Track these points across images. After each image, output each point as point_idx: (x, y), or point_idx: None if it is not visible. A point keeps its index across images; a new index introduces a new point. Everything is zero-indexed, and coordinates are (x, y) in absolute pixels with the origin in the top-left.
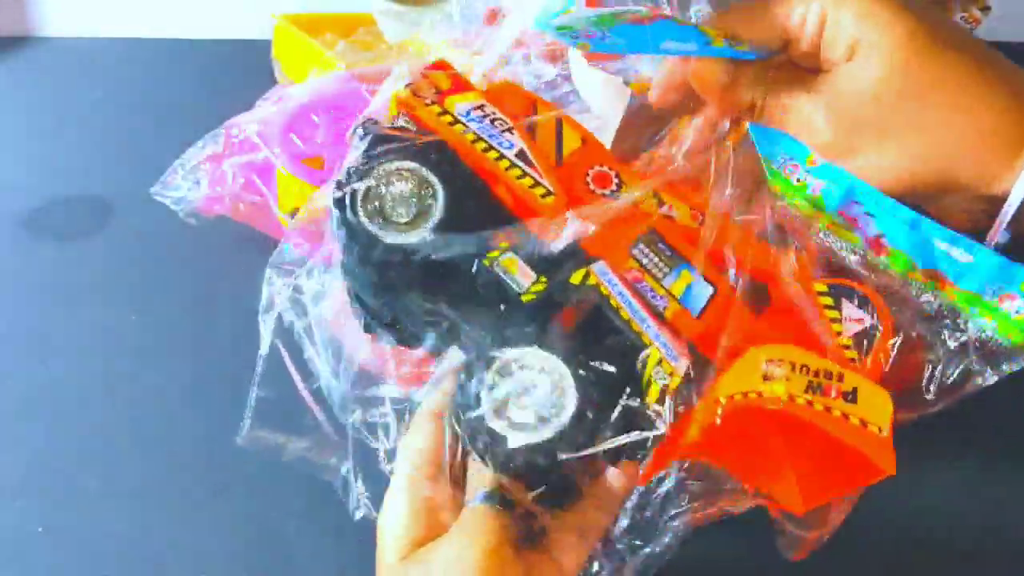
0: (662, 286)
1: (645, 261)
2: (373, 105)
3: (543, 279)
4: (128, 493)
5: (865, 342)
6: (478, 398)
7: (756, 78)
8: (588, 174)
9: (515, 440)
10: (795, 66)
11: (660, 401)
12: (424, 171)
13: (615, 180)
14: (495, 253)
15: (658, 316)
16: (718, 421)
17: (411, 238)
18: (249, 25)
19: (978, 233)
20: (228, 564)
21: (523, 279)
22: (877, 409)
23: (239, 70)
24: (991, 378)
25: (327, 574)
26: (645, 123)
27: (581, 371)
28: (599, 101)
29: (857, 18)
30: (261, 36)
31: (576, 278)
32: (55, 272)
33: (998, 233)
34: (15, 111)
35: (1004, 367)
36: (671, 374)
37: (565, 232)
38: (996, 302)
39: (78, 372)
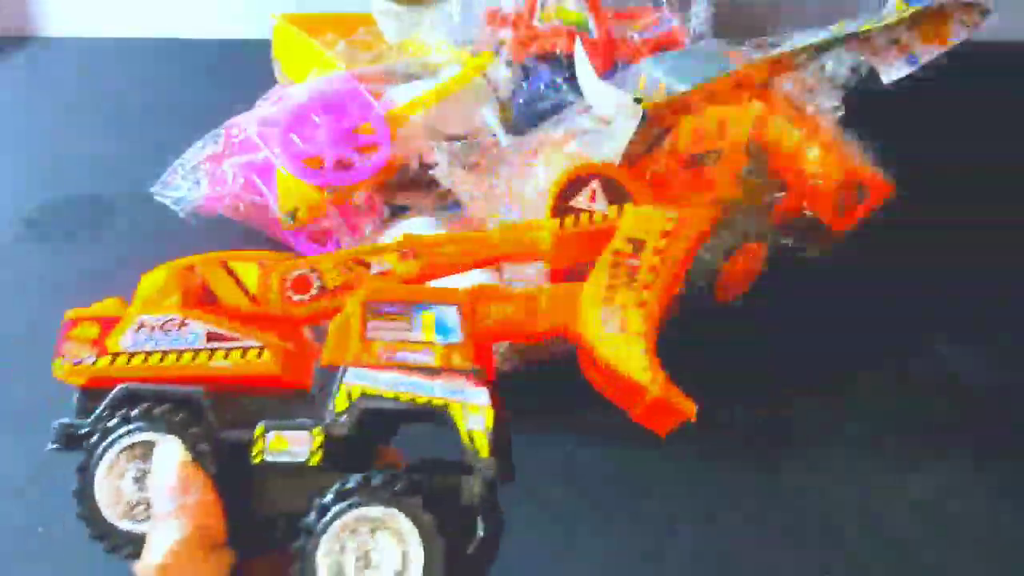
0: (417, 342)
1: (385, 335)
2: None
3: (316, 431)
4: None
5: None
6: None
7: None
8: (287, 288)
9: None
10: None
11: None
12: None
13: (315, 279)
14: (258, 447)
15: (435, 369)
16: None
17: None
18: (249, 25)
19: None
20: None
21: (298, 447)
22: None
23: (239, 70)
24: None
25: None
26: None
27: (415, 512)
28: (608, 111)
29: None
30: (261, 36)
31: (341, 402)
32: (55, 272)
33: None
34: (15, 111)
35: None
36: (484, 414)
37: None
38: None
39: None
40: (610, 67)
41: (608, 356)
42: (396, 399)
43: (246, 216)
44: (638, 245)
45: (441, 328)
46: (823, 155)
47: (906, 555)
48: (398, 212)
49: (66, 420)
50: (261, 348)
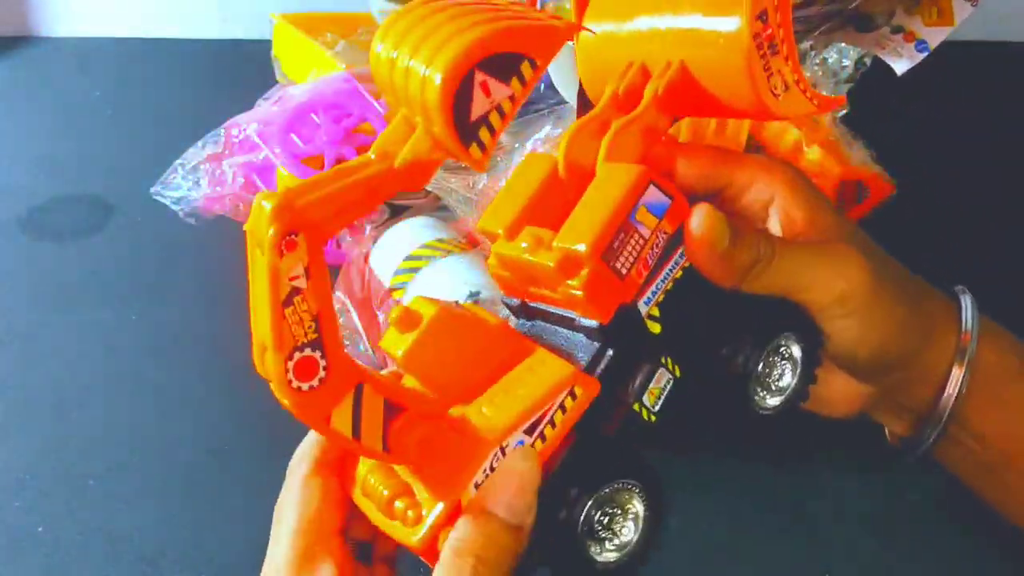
0: (652, 233)
1: (631, 257)
2: None
3: (676, 366)
4: (128, 493)
5: None
6: None
7: (759, 237)
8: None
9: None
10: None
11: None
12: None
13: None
14: (641, 413)
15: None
16: None
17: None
18: (249, 25)
19: None
20: (228, 564)
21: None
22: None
23: (239, 70)
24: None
25: None
26: None
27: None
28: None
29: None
30: (261, 36)
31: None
32: (55, 272)
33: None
34: (15, 111)
35: None
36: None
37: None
38: None
39: (78, 372)
40: None
41: (782, 112)
42: None
43: (246, 216)
44: (765, 15)
45: (655, 210)
46: (823, 154)
47: (910, 554)
48: (398, 212)
49: None
50: (571, 391)
